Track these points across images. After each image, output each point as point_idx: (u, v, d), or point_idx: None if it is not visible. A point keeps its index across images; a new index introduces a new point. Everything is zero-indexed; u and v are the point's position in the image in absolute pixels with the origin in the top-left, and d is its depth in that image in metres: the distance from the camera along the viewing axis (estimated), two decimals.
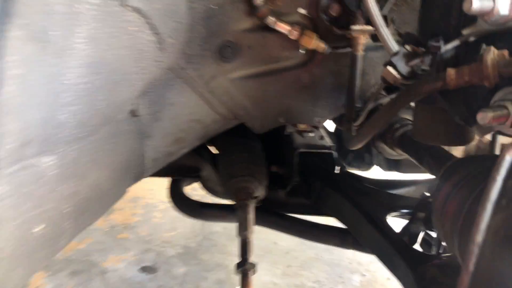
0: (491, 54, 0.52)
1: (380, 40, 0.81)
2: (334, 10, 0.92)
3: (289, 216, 1.29)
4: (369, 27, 0.85)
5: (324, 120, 1.08)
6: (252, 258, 1.72)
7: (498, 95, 0.56)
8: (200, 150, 1.25)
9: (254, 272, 0.98)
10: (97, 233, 2.07)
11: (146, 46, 0.83)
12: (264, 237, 1.76)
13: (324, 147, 1.25)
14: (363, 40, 0.90)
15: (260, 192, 1.12)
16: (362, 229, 1.01)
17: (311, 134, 1.26)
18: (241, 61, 0.98)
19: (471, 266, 0.36)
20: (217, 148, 1.35)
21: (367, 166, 1.47)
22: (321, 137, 1.27)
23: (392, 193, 1.20)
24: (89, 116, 0.79)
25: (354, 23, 0.88)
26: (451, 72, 0.55)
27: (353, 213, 1.05)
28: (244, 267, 0.98)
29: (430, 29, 0.66)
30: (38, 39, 0.60)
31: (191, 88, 1.00)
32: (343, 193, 1.14)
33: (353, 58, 0.91)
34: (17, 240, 0.75)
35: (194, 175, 1.34)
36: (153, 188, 2.44)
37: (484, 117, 0.53)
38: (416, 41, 0.67)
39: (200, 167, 1.31)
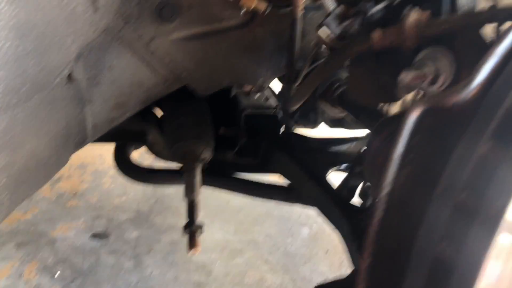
0: (413, 15, 0.55)
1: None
2: None
3: (237, 177, 1.32)
4: None
5: (269, 81, 1.09)
6: (205, 218, 1.76)
7: (420, 56, 0.59)
8: (145, 114, 1.23)
9: (201, 233, 1.01)
10: (44, 202, 2.00)
11: (78, 7, 0.79)
12: (217, 196, 1.79)
13: (270, 108, 1.27)
14: (303, 0, 0.90)
15: (207, 154, 1.14)
16: (305, 185, 1.07)
17: (257, 95, 1.27)
18: (182, 21, 0.96)
19: (380, 212, 0.41)
20: (162, 111, 1.33)
21: (313, 124, 1.51)
22: (267, 98, 1.29)
23: (333, 150, 1.25)
24: (19, 82, 0.75)
25: None
26: (376, 34, 0.58)
27: (296, 171, 1.10)
28: (191, 228, 1.00)
29: None
30: None
31: (130, 50, 0.96)
32: (287, 152, 1.18)
33: (293, 18, 0.91)
34: None
35: (139, 139, 1.32)
36: (102, 154, 2.37)
37: (405, 77, 0.56)
38: (350, 1, 0.68)
39: (145, 131, 1.29)
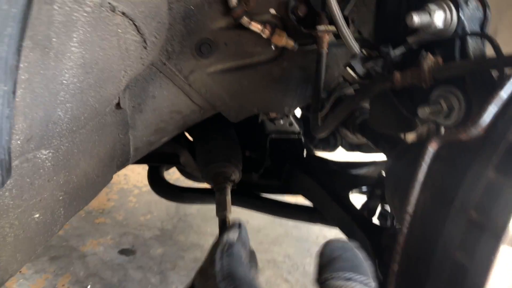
0: (427, 61, 0.64)
1: (342, 39, 0.92)
2: (301, 10, 1.02)
3: (262, 196, 1.41)
4: (333, 27, 0.96)
5: (294, 109, 1.19)
6: None
7: (435, 93, 0.68)
8: (178, 138, 1.34)
9: None
10: (74, 219, 2.11)
11: (131, 46, 0.90)
12: (236, 216, 1.87)
13: (293, 132, 1.37)
14: (327, 39, 1.01)
15: (236, 175, 1.23)
16: (327, 206, 1.15)
17: (281, 121, 1.37)
18: (218, 57, 1.07)
19: (405, 229, 0.49)
20: (192, 136, 1.44)
21: (332, 147, 1.61)
22: (290, 124, 1.39)
23: (353, 173, 1.34)
24: (81, 111, 0.86)
25: (319, 23, 0.99)
26: (397, 75, 0.67)
27: (319, 192, 1.18)
28: None
29: (382, 36, 0.78)
30: (41, 46, 0.67)
31: (171, 82, 1.08)
32: (310, 174, 1.26)
33: (318, 54, 1.02)
34: (20, 227, 0.83)
35: (172, 161, 1.42)
36: (127, 174, 2.49)
37: (423, 111, 0.65)
38: (371, 45, 0.78)
39: (178, 154, 1.40)
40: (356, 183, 1.24)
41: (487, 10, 0.70)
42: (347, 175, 1.29)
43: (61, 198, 0.92)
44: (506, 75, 0.54)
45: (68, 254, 1.89)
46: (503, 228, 0.44)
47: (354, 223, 1.02)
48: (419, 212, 0.49)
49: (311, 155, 1.53)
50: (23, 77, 0.65)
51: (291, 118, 1.41)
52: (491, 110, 0.49)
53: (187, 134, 1.47)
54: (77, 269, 1.82)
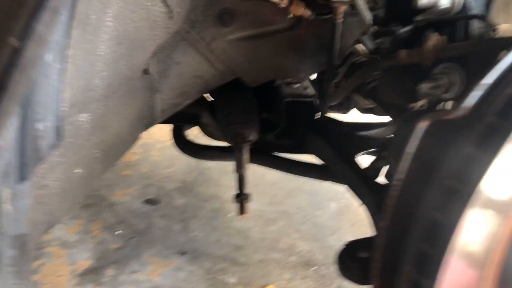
0: (432, 40, 0.70)
1: (357, 9, 0.97)
2: None
3: (277, 155, 1.51)
4: None
5: (309, 75, 1.26)
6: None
7: (436, 70, 0.75)
8: (200, 100, 1.43)
9: (248, 201, 1.21)
10: None
11: (159, 17, 0.97)
12: (253, 171, 1.99)
13: (307, 96, 1.44)
14: (343, 9, 1.05)
15: (253, 136, 1.33)
16: (337, 165, 1.24)
17: (296, 85, 1.44)
18: (238, 25, 1.13)
19: (395, 194, 0.58)
20: (212, 97, 1.52)
21: (345, 110, 1.68)
22: (305, 87, 1.46)
23: (363, 135, 1.42)
24: (114, 78, 0.96)
25: None
26: (402, 53, 0.73)
27: (329, 152, 1.27)
28: (241, 197, 1.21)
29: (392, 13, 0.83)
30: (82, 23, 0.75)
31: (194, 49, 1.15)
32: (322, 135, 1.35)
33: (333, 24, 1.07)
34: (64, 180, 0.95)
35: (194, 121, 1.52)
36: (150, 129, 2.61)
37: (423, 87, 0.72)
38: (382, 22, 0.83)
39: (199, 115, 1.49)
40: (365, 145, 1.32)
41: None
42: (357, 137, 1.37)
43: (97, 155, 1.04)
44: (495, 61, 0.60)
45: (99, 202, 2.06)
46: (473, 190, 0.53)
47: (360, 181, 1.11)
48: (408, 178, 0.58)
49: (325, 116, 1.60)
50: (69, 53, 0.74)
51: (307, 82, 1.47)
52: (476, 94, 0.56)
53: (208, 96, 1.56)
54: (107, 216, 2.00)
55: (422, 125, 0.57)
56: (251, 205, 2.20)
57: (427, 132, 0.57)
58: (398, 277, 0.59)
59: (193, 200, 2.20)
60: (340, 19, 1.06)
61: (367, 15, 0.94)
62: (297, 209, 2.27)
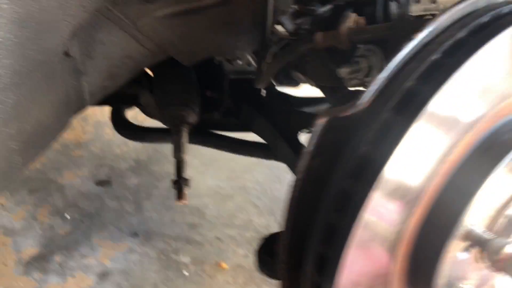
0: (348, 22, 0.66)
1: None
2: None
3: (222, 135, 1.47)
4: None
5: (246, 53, 1.20)
6: (199, 166, 1.92)
7: (358, 52, 0.71)
8: (139, 79, 1.35)
9: (187, 186, 1.18)
10: (51, 152, 2.18)
11: None
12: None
13: (251, 72, 1.38)
14: None
15: (192, 118, 1.27)
16: (278, 145, 1.21)
17: (239, 62, 1.38)
18: (165, 1, 1.05)
19: (295, 195, 0.57)
20: (153, 73, 1.44)
21: (295, 84, 1.64)
22: (249, 63, 1.40)
23: (307, 113, 1.38)
24: (22, 65, 0.88)
25: None
26: (319, 35, 0.69)
27: (271, 132, 1.24)
28: (179, 182, 1.17)
29: None
30: None
31: (119, 28, 1.07)
32: (265, 114, 1.31)
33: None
34: None
35: (133, 102, 1.45)
36: (102, 107, 2.51)
37: (344, 71, 0.69)
38: (304, 1, 0.78)
39: (138, 94, 1.42)
40: (308, 122, 1.29)
41: None
42: (300, 115, 1.34)
43: (15, 147, 0.97)
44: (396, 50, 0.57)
45: (47, 186, 1.99)
46: (367, 194, 0.52)
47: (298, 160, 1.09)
48: (308, 178, 0.56)
49: (272, 92, 1.55)
50: None
51: (249, 58, 1.41)
52: (372, 89, 0.53)
53: (149, 72, 1.48)
54: (55, 200, 1.93)
55: (320, 122, 0.53)
56: (207, 182, 2.18)
57: (325, 129, 0.54)
58: (302, 277, 0.57)
59: (147, 179, 2.15)
60: None
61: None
62: (255, 183, 2.26)
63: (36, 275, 1.60)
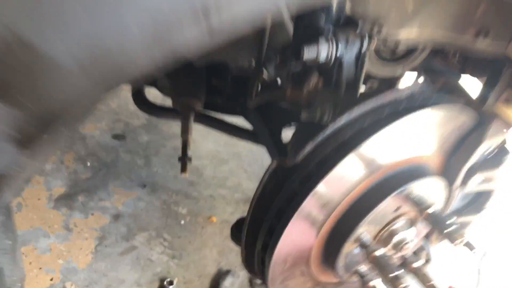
0: (309, 83, 0.95)
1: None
2: None
3: (221, 120, 1.78)
4: None
5: (248, 61, 1.47)
6: (202, 130, 2.24)
7: (315, 101, 1.01)
8: None
9: (190, 162, 1.51)
10: None
11: None
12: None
13: (251, 73, 1.66)
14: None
15: (198, 106, 1.58)
16: (263, 136, 1.53)
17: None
18: None
19: (249, 217, 0.91)
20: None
21: None
22: (249, 66, 1.67)
23: (290, 110, 1.68)
24: None
25: None
26: (288, 91, 0.98)
27: (260, 124, 1.55)
28: (184, 158, 1.50)
29: (293, 50, 1.04)
30: None
31: None
32: (257, 109, 1.61)
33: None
34: None
35: (152, 84, 1.75)
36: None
37: (303, 115, 0.99)
38: (285, 54, 1.06)
39: (157, 77, 1.71)
40: (290, 119, 1.60)
41: (364, 42, 0.97)
42: (287, 112, 1.64)
43: None
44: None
45: (72, 134, 2.32)
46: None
47: (273, 152, 1.41)
48: (256, 208, 0.91)
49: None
50: None
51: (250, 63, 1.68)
52: (308, 147, 0.84)
53: None
54: (79, 148, 2.28)
55: (271, 166, 0.85)
56: (208, 146, 2.51)
57: (274, 172, 0.86)
58: (255, 251, 0.93)
59: (156, 137, 2.49)
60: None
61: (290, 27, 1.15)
62: (249, 151, 2.60)
63: (64, 210, 1.99)
